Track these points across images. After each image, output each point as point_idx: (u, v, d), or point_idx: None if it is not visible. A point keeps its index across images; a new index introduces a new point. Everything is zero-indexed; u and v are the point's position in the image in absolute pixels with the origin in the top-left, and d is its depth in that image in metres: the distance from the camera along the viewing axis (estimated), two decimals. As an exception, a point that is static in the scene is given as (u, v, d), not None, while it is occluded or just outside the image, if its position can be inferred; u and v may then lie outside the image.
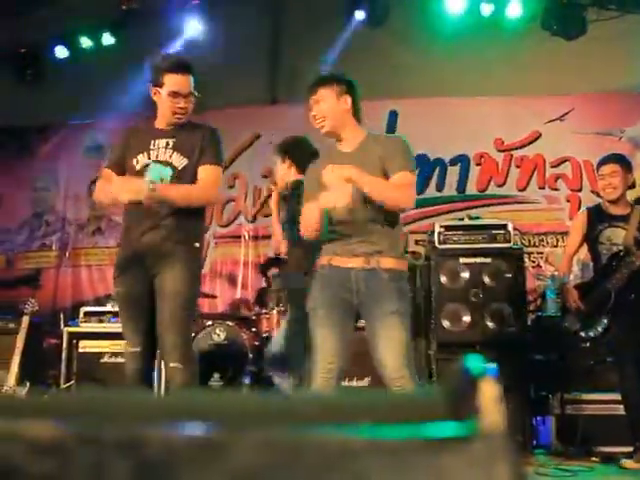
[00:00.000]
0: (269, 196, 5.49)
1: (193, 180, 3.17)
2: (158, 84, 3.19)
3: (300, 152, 4.00)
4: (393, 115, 7.05)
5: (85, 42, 7.61)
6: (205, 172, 3.18)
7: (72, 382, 5.22)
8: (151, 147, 3.19)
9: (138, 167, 3.18)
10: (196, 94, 3.24)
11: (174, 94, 3.16)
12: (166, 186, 3.10)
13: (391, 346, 2.84)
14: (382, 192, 2.89)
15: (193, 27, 7.37)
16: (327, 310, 2.94)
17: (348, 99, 3.06)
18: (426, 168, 6.97)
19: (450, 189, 7.04)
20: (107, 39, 7.58)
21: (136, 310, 3.13)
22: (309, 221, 3.00)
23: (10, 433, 0.42)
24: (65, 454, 0.41)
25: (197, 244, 3.21)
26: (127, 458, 0.40)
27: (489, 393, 0.44)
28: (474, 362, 0.47)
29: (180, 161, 3.16)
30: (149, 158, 3.18)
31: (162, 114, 3.24)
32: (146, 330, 3.11)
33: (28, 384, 5.01)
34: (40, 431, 0.41)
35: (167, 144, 3.19)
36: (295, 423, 0.42)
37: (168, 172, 3.14)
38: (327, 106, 3.04)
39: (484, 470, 0.42)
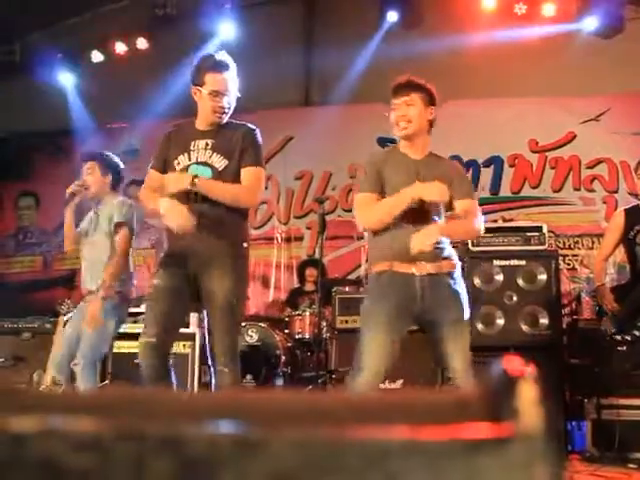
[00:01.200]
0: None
1: (233, 181, 3.17)
2: (199, 83, 3.21)
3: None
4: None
5: (120, 47, 7.72)
6: (249, 174, 3.18)
7: (106, 382, 5.29)
8: (191, 148, 3.21)
9: (179, 168, 3.20)
10: (238, 94, 3.26)
11: (215, 93, 3.17)
12: (211, 180, 3.12)
13: (459, 353, 2.95)
14: (461, 233, 3.20)
15: (226, 30, 7.42)
16: (385, 319, 2.94)
17: (433, 110, 3.13)
18: (459, 170, 6.91)
19: (483, 191, 6.97)
20: (141, 43, 7.68)
21: (165, 304, 3.09)
22: (383, 215, 3.03)
23: (51, 429, 0.42)
24: (106, 450, 0.41)
25: (245, 244, 3.23)
26: (167, 455, 0.41)
27: (527, 394, 0.44)
28: (512, 363, 0.46)
29: (220, 162, 3.17)
30: (189, 159, 3.20)
31: (203, 114, 3.25)
32: (168, 326, 3.08)
33: (63, 384, 5.08)
34: (81, 427, 0.42)
35: (207, 145, 3.20)
36: (333, 423, 0.42)
37: (208, 173, 3.15)
38: (416, 112, 3.08)
39: (522, 472, 0.42)
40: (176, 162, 3.21)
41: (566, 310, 5.36)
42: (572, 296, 5.90)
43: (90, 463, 0.41)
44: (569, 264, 6.60)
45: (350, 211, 7.29)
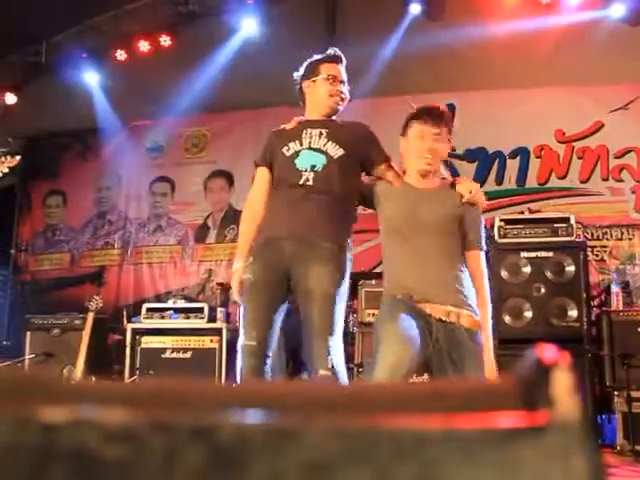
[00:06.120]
0: None
1: (347, 172, 3.06)
2: (313, 75, 3.17)
3: None
4: (451, 108, 6.96)
5: (143, 45, 7.77)
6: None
7: (135, 377, 5.35)
8: (303, 135, 3.10)
9: (289, 154, 3.07)
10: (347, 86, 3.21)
11: (333, 77, 3.14)
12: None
13: None
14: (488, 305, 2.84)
15: (249, 26, 7.43)
16: (406, 312, 2.73)
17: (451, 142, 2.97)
18: (485, 161, 6.87)
19: (510, 182, 6.92)
20: (165, 41, 7.72)
21: (261, 301, 2.93)
22: None
23: (83, 419, 0.43)
24: (138, 441, 0.41)
25: (349, 239, 3.07)
26: (200, 445, 0.40)
27: (563, 383, 0.43)
28: (547, 351, 0.46)
29: (335, 151, 3.05)
30: (301, 145, 3.08)
31: (317, 102, 3.17)
32: (266, 324, 2.91)
33: (93, 379, 5.14)
34: (113, 418, 0.42)
35: (320, 133, 3.10)
36: (368, 412, 0.41)
37: (321, 159, 3.03)
38: (444, 150, 2.91)
39: (558, 461, 0.41)
40: (285, 148, 3.08)
41: (595, 302, 5.30)
42: (601, 287, 5.83)
43: (122, 454, 0.41)
44: (597, 255, 6.51)
45: (375, 205, 7.26)
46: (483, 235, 2.90)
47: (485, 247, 2.91)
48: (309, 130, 3.12)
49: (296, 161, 3.05)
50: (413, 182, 2.93)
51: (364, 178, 3.20)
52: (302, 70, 3.27)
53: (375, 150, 3.15)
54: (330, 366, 2.82)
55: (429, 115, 2.87)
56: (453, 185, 2.93)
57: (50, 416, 0.42)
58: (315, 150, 3.06)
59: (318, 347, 2.85)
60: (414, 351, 2.63)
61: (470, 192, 2.85)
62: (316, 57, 3.28)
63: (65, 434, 0.42)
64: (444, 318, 2.70)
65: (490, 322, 2.79)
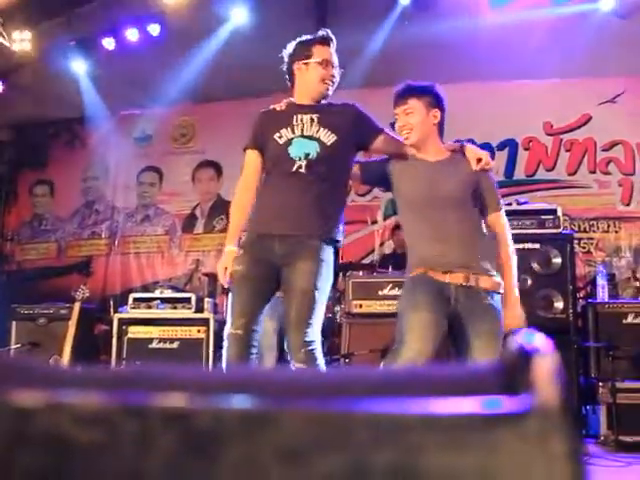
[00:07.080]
0: None
1: (341, 158, 3.08)
2: (306, 56, 3.13)
3: None
4: (439, 100, 6.95)
5: (132, 33, 7.71)
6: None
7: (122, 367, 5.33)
8: (294, 122, 3.08)
9: (282, 142, 3.05)
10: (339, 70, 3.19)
11: (325, 62, 3.11)
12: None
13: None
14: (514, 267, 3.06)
15: (239, 15, 7.39)
16: (428, 299, 2.85)
17: (438, 113, 3.02)
18: (473, 153, 6.88)
19: (497, 174, 6.92)
20: (153, 30, 7.66)
21: (249, 292, 2.97)
22: None
23: (57, 403, 0.42)
24: (112, 424, 0.41)
25: (339, 236, 3.08)
26: (173, 430, 0.40)
27: (544, 368, 0.43)
28: (529, 338, 0.46)
29: (328, 137, 3.05)
30: (293, 132, 3.06)
31: (308, 86, 3.14)
32: (253, 314, 2.95)
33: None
34: (87, 401, 0.41)
35: (312, 119, 3.08)
36: (345, 397, 0.41)
37: (315, 147, 3.02)
38: (417, 119, 2.99)
39: (539, 446, 0.41)
40: (277, 135, 3.06)
41: (581, 294, 5.33)
42: (587, 279, 5.86)
43: (96, 437, 0.40)
44: (584, 247, 6.55)
45: (364, 196, 7.28)
46: (499, 195, 3.12)
47: (502, 205, 3.11)
48: (300, 116, 3.09)
49: (289, 150, 3.04)
50: (423, 156, 3.05)
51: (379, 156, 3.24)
52: (292, 50, 3.21)
53: (368, 127, 3.16)
54: (304, 359, 2.86)
55: (396, 98, 3.05)
56: (462, 152, 3.09)
57: (23, 400, 0.41)
58: (308, 138, 3.05)
59: (294, 340, 2.91)
60: (433, 343, 2.78)
61: (479, 160, 3.03)
62: (307, 37, 3.21)
63: (38, 418, 0.41)
64: (464, 283, 2.87)
65: (515, 272, 3.04)
